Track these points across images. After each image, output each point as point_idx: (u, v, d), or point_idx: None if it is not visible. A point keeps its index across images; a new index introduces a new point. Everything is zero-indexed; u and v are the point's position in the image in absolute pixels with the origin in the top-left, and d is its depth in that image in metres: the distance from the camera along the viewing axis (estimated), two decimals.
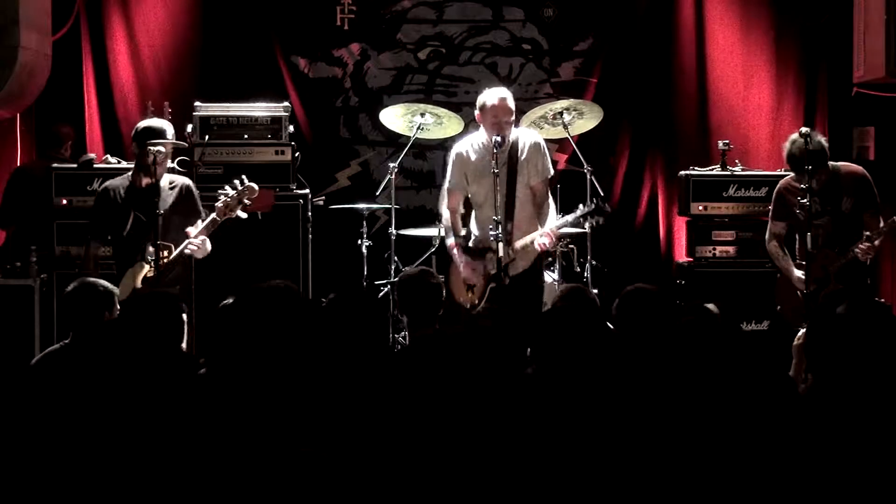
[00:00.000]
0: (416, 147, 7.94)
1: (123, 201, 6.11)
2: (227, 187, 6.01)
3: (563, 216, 6.40)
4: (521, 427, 3.56)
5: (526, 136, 6.50)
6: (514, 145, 6.39)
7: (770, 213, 6.70)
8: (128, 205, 6.09)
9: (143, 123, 6.25)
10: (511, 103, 6.37)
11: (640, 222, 8.71)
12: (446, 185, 6.58)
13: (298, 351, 4.03)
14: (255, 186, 5.99)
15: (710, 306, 4.45)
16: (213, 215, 5.95)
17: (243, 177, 6.02)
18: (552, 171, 6.56)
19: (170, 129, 6.20)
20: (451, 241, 6.49)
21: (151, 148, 5.97)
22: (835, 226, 6.37)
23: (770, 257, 6.72)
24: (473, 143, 6.49)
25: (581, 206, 6.38)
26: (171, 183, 6.14)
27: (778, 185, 6.64)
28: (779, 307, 6.72)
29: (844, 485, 3.34)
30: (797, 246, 6.52)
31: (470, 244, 6.49)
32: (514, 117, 6.40)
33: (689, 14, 8.62)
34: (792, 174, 6.50)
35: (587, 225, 6.40)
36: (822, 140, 6.35)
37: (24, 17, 7.04)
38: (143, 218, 5.99)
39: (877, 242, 6.29)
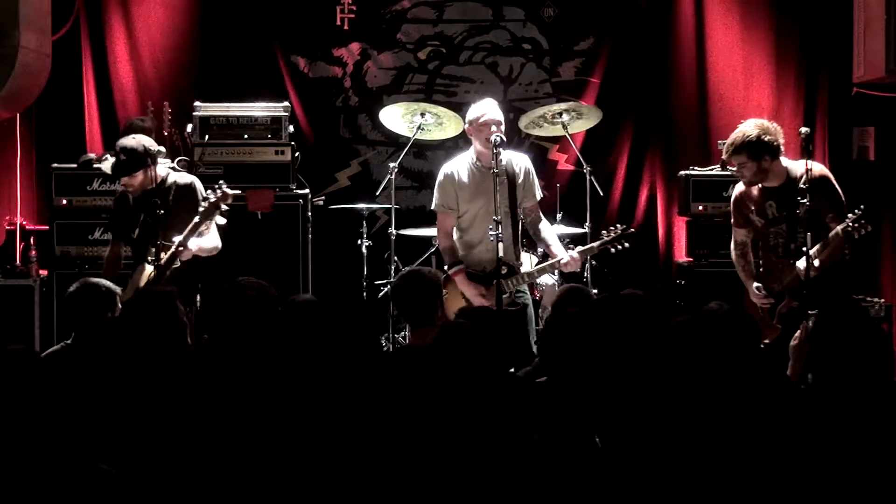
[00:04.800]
0: (416, 147, 7.95)
1: (134, 206, 6.11)
2: (207, 191, 5.93)
3: (585, 243, 6.51)
4: (519, 429, 3.56)
5: (518, 159, 6.48)
6: (510, 167, 6.38)
7: (732, 221, 6.22)
8: (136, 207, 6.09)
9: (119, 144, 6.13)
10: (499, 112, 6.34)
11: (640, 222, 8.70)
12: (435, 207, 6.47)
13: (285, 350, 4.04)
14: (230, 192, 5.87)
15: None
16: (196, 219, 5.88)
17: (221, 182, 5.91)
18: (540, 194, 6.57)
19: (128, 141, 6.06)
20: (454, 268, 6.35)
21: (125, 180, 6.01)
22: (792, 233, 5.85)
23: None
24: (464, 163, 6.43)
25: (604, 232, 6.39)
26: (172, 182, 6.12)
27: (734, 193, 6.19)
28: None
29: (843, 484, 3.35)
30: (760, 254, 6.17)
31: (469, 271, 6.39)
32: (503, 125, 6.38)
33: (689, 14, 8.63)
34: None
35: (612, 250, 6.38)
36: (779, 132, 5.92)
37: (24, 17, 7.03)
38: (148, 219, 5.98)
39: (822, 258, 5.69)
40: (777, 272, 6.01)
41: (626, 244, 6.35)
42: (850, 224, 5.64)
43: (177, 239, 5.86)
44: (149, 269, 5.87)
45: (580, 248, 6.41)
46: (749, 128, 5.90)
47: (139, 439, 3.57)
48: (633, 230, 6.40)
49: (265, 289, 4.42)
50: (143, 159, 5.95)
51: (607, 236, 6.35)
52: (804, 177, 5.74)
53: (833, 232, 5.72)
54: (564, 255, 6.30)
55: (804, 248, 5.64)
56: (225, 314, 4.32)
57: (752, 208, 6.06)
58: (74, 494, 2.97)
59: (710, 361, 3.82)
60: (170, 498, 3.28)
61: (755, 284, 6.10)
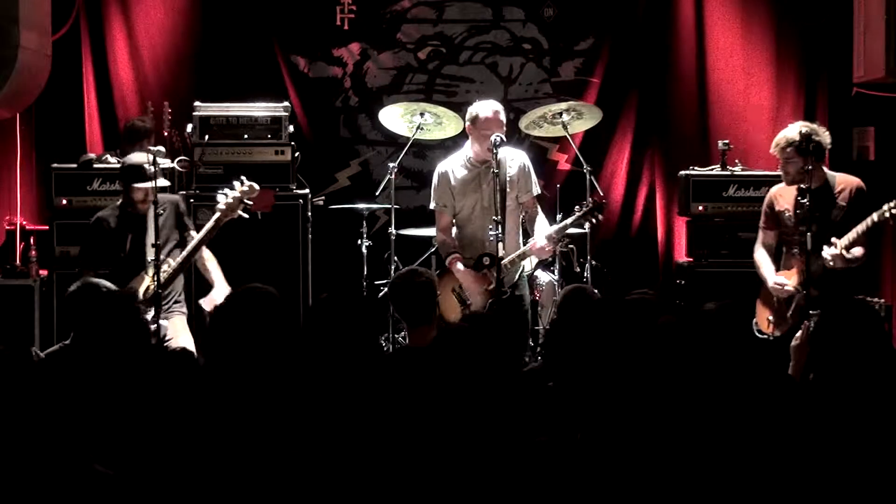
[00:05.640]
0: (415, 147, 7.95)
1: (118, 228, 6.15)
2: (226, 189, 6.01)
3: (559, 221, 6.51)
4: (525, 429, 3.56)
5: (513, 154, 6.57)
6: (503, 163, 6.43)
7: (760, 222, 6.40)
8: (123, 230, 6.12)
9: (127, 160, 6.23)
10: (503, 116, 6.45)
11: (640, 222, 8.72)
12: (433, 206, 6.64)
13: (286, 353, 4.03)
14: (256, 186, 5.99)
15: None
16: (216, 216, 5.96)
17: (243, 177, 6.02)
18: (539, 189, 6.66)
19: (150, 163, 6.07)
20: (449, 257, 6.49)
21: (137, 186, 6.04)
22: (822, 234, 5.99)
23: (754, 266, 6.41)
24: (457, 161, 6.57)
25: (577, 207, 6.43)
26: (160, 203, 6.12)
27: (769, 193, 6.38)
28: (755, 320, 6.39)
29: (845, 483, 3.35)
30: (783, 258, 6.31)
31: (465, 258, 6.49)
32: (504, 129, 6.45)
33: (689, 14, 8.63)
34: (783, 184, 6.25)
35: (587, 225, 6.45)
36: (827, 137, 6.16)
37: (24, 17, 7.03)
38: (140, 240, 6.01)
39: (855, 251, 5.95)
40: (800, 266, 6.11)
41: (599, 216, 6.38)
42: (890, 210, 5.90)
43: (194, 235, 5.94)
44: (146, 281, 5.93)
45: (554, 227, 6.43)
46: (802, 127, 6.14)
47: (138, 440, 3.57)
48: (604, 202, 6.49)
49: (272, 295, 4.41)
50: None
51: (578, 212, 6.37)
52: (842, 187, 6.12)
53: (863, 223, 5.95)
54: (535, 240, 6.35)
55: (835, 243, 5.94)
56: (232, 320, 4.30)
57: (787, 206, 6.19)
58: (71, 496, 2.98)
59: (702, 359, 3.82)
60: (168, 499, 3.28)
61: (776, 277, 6.21)
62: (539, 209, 6.66)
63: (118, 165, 7.44)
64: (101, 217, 6.29)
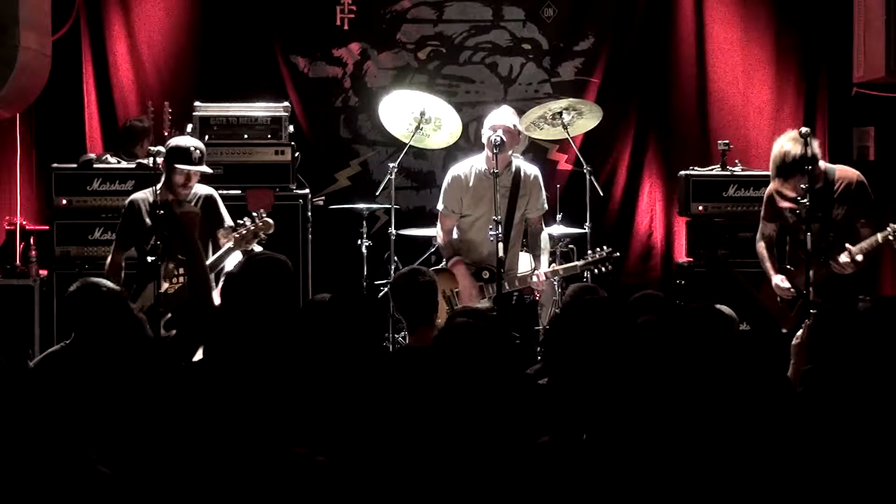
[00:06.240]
0: (415, 147, 7.94)
1: (148, 216, 6.08)
2: (245, 219, 5.97)
3: (567, 261, 6.60)
4: (522, 429, 3.56)
5: (528, 168, 6.57)
6: (518, 174, 6.44)
7: (761, 214, 6.45)
8: (151, 220, 6.06)
9: (173, 141, 6.21)
10: (513, 122, 6.44)
11: (640, 222, 8.72)
12: (440, 207, 6.62)
13: (291, 348, 4.03)
14: (272, 222, 5.95)
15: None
16: (229, 244, 5.92)
17: (262, 211, 5.98)
18: (546, 206, 6.67)
19: (196, 147, 6.14)
20: (452, 260, 6.50)
21: (179, 167, 6.00)
22: (824, 234, 6.06)
23: (757, 258, 6.49)
24: (472, 168, 6.54)
25: (589, 252, 6.46)
26: (193, 195, 6.11)
27: (769, 187, 6.39)
28: None
29: (844, 484, 3.35)
30: (787, 249, 6.38)
31: (467, 262, 6.51)
32: (514, 130, 6.43)
33: (689, 14, 8.64)
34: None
35: (595, 270, 6.49)
36: (816, 145, 6.03)
37: (24, 17, 7.02)
38: (165, 233, 5.96)
39: (859, 258, 6.00)
40: (804, 267, 6.08)
41: (609, 267, 6.44)
42: (892, 234, 5.96)
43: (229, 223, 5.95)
44: (165, 285, 5.89)
45: (562, 266, 6.50)
46: (790, 147, 5.96)
47: (138, 440, 3.57)
48: (617, 254, 6.50)
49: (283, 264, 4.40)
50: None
51: (591, 257, 6.41)
52: (842, 183, 6.10)
53: (873, 238, 6.00)
54: (539, 273, 6.37)
55: (849, 249, 5.97)
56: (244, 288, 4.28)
57: (788, 205, 6.15)
58: (71, 496, 2.98)
59: (701, 358, 3.82)
60: (168, 499, 3.28)
61: (779, 276, 6.24)
62: (543, 226, 6.68)
63: (118, 165, 7.48)
64: (135, 200, 6.20)
